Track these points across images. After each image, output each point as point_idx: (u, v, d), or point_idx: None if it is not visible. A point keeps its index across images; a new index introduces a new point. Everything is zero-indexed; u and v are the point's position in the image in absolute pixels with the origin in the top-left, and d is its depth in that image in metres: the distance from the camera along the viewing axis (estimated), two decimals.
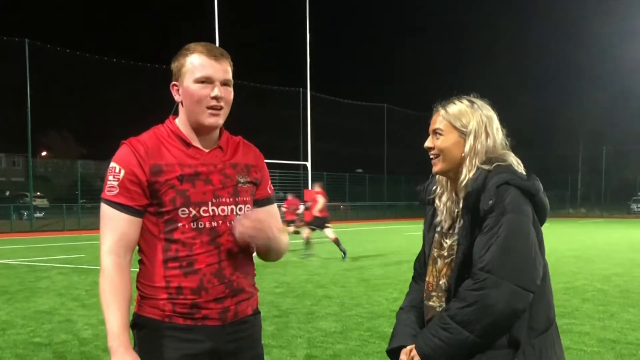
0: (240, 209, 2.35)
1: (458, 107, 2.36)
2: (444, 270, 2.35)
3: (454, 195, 2.40)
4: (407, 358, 2.30)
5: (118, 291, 2.20)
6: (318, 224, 16.58)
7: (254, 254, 2.47)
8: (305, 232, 16.69)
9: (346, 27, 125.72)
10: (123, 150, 2.29)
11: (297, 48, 38.54)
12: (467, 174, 2.29)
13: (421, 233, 2.60)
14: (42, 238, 27.39)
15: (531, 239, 2.17)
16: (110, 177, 2.26)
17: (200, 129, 2.33)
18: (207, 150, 2.35)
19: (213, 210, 2.29)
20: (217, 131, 2.39)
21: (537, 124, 64.68)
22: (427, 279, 2.44)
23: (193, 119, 2.31)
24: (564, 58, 79.30)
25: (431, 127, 2.40)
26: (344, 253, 15.83)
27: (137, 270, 2.35)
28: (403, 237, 25.92)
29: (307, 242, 16.53)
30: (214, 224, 2.29)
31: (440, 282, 2.35)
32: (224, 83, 2.30)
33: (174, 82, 2.34)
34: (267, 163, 2.58)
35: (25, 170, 42.72)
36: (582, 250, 18.94)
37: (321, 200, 16.71)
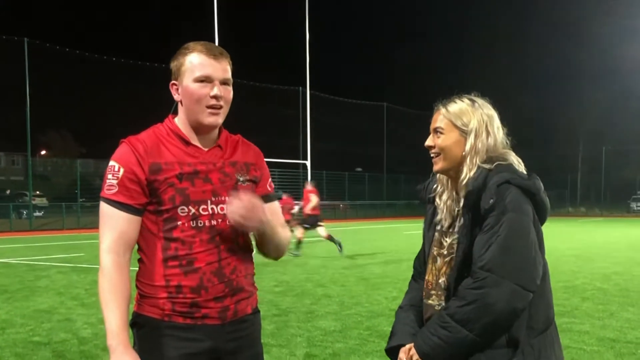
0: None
1: (459, 106, 2.36)
2: (444, 268, 2.34)
3: (454, 194, 2.40)
4: (406, 357, 2.30)
5: (117, 290, 2.19)
6: (311, 222, 16.61)
7: (255, 251, 2.46)
8: (299, 231, 16.68)
9: (346, 26, 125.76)
10: (122, 149, 2.29)
11: (296, 47, 38.60)
12: (467, 173, 2.29)
13: (421, 232, 2.60)
14: (42, 237, 27.39)
15: (531, 238, 2.17)
16: (110, 176, 2.26)
17: (199, 128, 2.33)
18: (206, 149, 2.35)
19: (212, 208, 2.29)
20: (217, 130, 2.38)
21: (537, 124, 64.77)
22: (426, 277, 2.44)
23: (192, 118, 2.31)
24: (564, 58, 79.33)
25: (432, 126, 2.40)
26: (340, 245, 15.84)
27: (137, 269, 2.34)
28: (402, 236, 25.92)
29: (299, 242, 16.48)
30: (214, 222, 2.29)
31: (440, 281, 2.35)
32: (224, 82, 2.29)
33: (173, 82, 2.34)
34: (266, 162, 2.58)
35: (25, 169, 42.73)
36: (581, 249, 18.95)
37: (314, 199, 16.74)
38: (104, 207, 2.26)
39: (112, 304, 2.17)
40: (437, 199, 2.46)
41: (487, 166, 2.26)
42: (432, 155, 2.40)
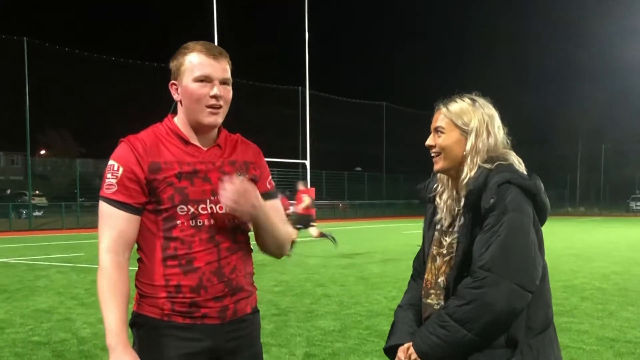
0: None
1: (460, 106, 2.36)
2: (443, 268, 2.34)
3: (454, 193, 2.40)
4: (405, 356, 2.30)
5: (116, 289, 2.19)
6: (303, 222, 16.61)
7: (254, 251, 2.46)
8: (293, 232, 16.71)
9: (345, 26, 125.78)
10: (122, 148, 2.29)
11: (296, 46, 38.60)
12: (468, 173, 2.29)
13: (420, 231, 2.60)
14: (41, 237, 27.38)
15: (531, 238, 2.17)
16: (109, 175, 2.26)
17: (199, 128, 2.33)
18: (205, 149, 2.35)
19: (211, 208, 2.29)
20: (216, 129, 2.38)
21: (536, 123, 64.76)
22: (425, 276, 2.44)
23: (192, 118, 2.31)
24: (563, 57, 79.40)
25: (433, 125, 2.40)
26: (333, 238, 15.83)
27: (136, 268, 2.34)
28: (402, 235, 25.92)
29: (292, 242, 16.49)
30: (213, 221, 2.29)
31: (439, 280, 2.35)
32: (223, 82, 2.29)
33: (172, 81, 2.34)
34: (266, 162, 2.57)
35: (24, 169, 42.71)
36: (581, 248, 18.95)
37: (306, 200, 16.75)
38: (103, 206, 2.26)
39: (111, 303, 2.17)
40: (438, 199, 2.46)
41: (487, 166, 2.26)
42: (432, 154, 2.40)
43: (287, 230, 2.47)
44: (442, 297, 2.32)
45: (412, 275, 2.61)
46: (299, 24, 35.61)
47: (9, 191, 47.89)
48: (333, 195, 50.24)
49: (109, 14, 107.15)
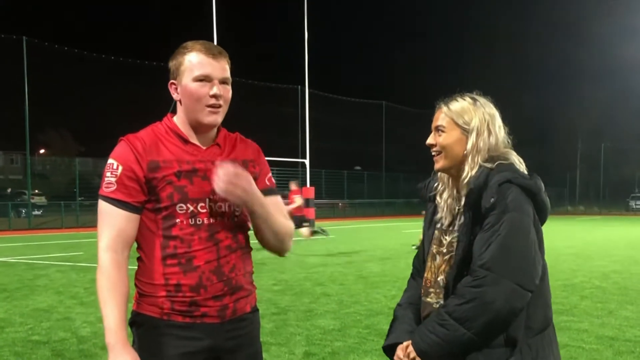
0: (238, 206, 2.34)
1: (461, 105, 2.36)
2: (443, 266, 2.35)
3: (455, 192, 2.40)
4: (404, 354, 2.30)
5: (116, 287, 2.19)
6: (295, 223, 16.65)
7: (254, 250, 2.46)
8: None
9: (345, 25, 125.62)
10: (121, 147, 2.29)
11: (295, 46, 38.58)
12: (469, 172, 2.29)
13: (420, 230, 2.60)
14: (41, 236, 27.37)
15: (531, 238, 2.17)
16: (108, 174, 2.26)
17: (198, 127, 2.33)
18: (204, 147, 2.34)
19: (210, 206, 2.29)
20: (215, 129, 2.38)
21: (536, 122, 64.80)
22: (425, 275, 2.44)
23: (192, 117, 2.31)
24: (563, 57, 79.54)
25: (433, 124, 2.40)
26: (323, 230, 15.82)
27: (135, 267, 2.34)
28: (401, 234, 25.93)
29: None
30: (212, 220, 2.29)
31: (439, 279, 2.35)
32: (223, 81, 2.29)
33: (172, 81, 2.34)
34: (265, 159, 2.57)
35: (24, 168, 42.68)
36: (580, 247, 18.96)
37: (298, 200, 16.78)
38: (102, 205, 2.26)
39: (110, 301, 2.17)
40: (438, 197, 2.46)
41: (488, 165, 2.26)
42: (433, 153, 2.40)
43: (287, 224, 2.43)
44: (441, 295, 2.32)
45: (411, 274, 2.61)
46: (298, 23, 35.60)
47: (9, 190, 47.86)
48: (332, 194, 50.22)
49: (108, 14, 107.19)
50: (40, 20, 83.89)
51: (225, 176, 2.19)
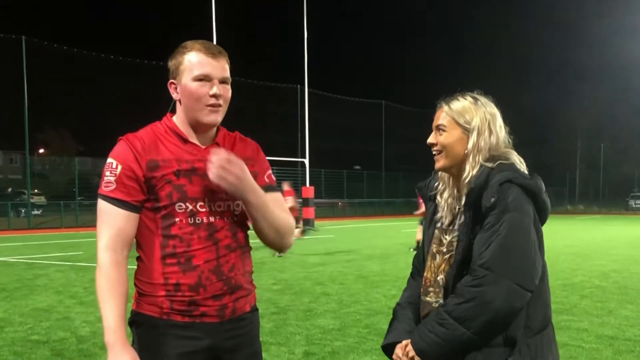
0: (237, 205, 2.34)
1: (462, 104, 2.36)
2: (443, 266, 2.34)
3: (455, 191, 2.40)
4: (403, 353, 2.30)
5: (115, 287, 2.19)
6: None
7: (254, 245, 2.45)
8: None
9: (344, 24, 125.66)
10: (120, 146, 2.29)
11: (295, 45, 38.57)
12: (470, 171, 2.29)
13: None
14: (40, 235, 27.38)
15: (531, 238, 2.17)
16: (107, 173, 2.26)
17: (198, 127, 2.32)
18: (204, 147, 2.34)
19: (210, 206, 2.29)
20: (215, 128, 2.38)
21: (536, 122, 64.83)
22: (425, 274, 2.44)
23: (191, 117, 2.31)
24: (563, 56, 79.56)
25: (434, 123, 2.40)
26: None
27: (135, 267, 2.34)
28: (401, 234, 25.95)
29: None
30: (211, 219, 2.29)
31: (438, 278, 2.35)
32: (222, 81, 2.29)
33: (171, 80, 2.33)
34: (265, 157, 2.56)
35: (23, 168, 42.66)
36: (580, 246, 18.97)
37: (290, 201, 16.80)
38: (101, 204, 2.26)
39: (109, 301, 2.17)
40: (438, 197, 2.46)
41: (489, 165, 2.26)
42: (434, 152, 2.40)
43: (287, 219, 2.40)
44: (440, 295, 2.32)
45: (411, 273, 2.61)
46: (298, 22, 35.59)
47: (10, 189, 47.84)
48: (332, 193, 50.22)
49: (107, 13, 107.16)
50: (40, 20, 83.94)
51: (218, 162, 2.18)
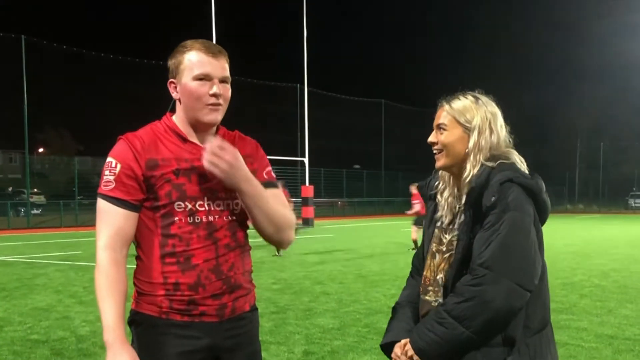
0: (236, 204, 2.34)
1: (463, 103, 2.36)
2: (442, 265, 2.34)
3: (455, 190, 2.40)
4: (401, 352, 2.30)
5: (114, 285, 2.19)
6: None
7: (253, 244, 2.45)
8: None
9: (344, 23, 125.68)
10: (120, 145, 2.29)
11: (294, 44, 38.57)
12: (471, 170, 2.29)
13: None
14: (40, 235, 27.38)
15: (531, 237, 2.17)
16: (107, 172, 2.26)
17: (198, 126, 2.32)
18: (203, 146, 2.34)
19: (209, 205, 2.29)
20: (214, 127, 2.38)
21: (535, 121, 64.86)
22: (424, 273, 2.44)
23: (191, 116, 2.30)
24: (563, 56, 79.60)
25: (435, 122, 2.40)
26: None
27: (134, 266, 2.34)
28: (400, 233, 25.94)
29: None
30: (211, 218, 2.28)
31: (438, 277, 2.35)
32: (222, 80, 2.29)
33: (171, 80, 2.33)
34: (265, 154, 2.55)
35: (23, 167, 42.64)
36: (579, 246, 18.98)
37: None
38: (101, 203, 2.26)
39: (108, 299, 2.17)
40: (439, 196, 2.46)
41: (490, 164, 2.26)
42: (434, 151, 2.40)
43: (286, 213, 2.37)
44: (440, 294, 2.32)
45: (410, 272, 2.61)
46: (298, 21, 35.61)
47: (10, 189, 47.81)
48: (331, 192, 50.24)
49: (107, 12, 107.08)
50: (39, 19, 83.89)
51: (210, 148, 2.19)
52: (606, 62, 68.56)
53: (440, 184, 2.46)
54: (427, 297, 2.39)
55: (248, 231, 2.42)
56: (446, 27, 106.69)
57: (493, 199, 2.17)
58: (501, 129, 2.36)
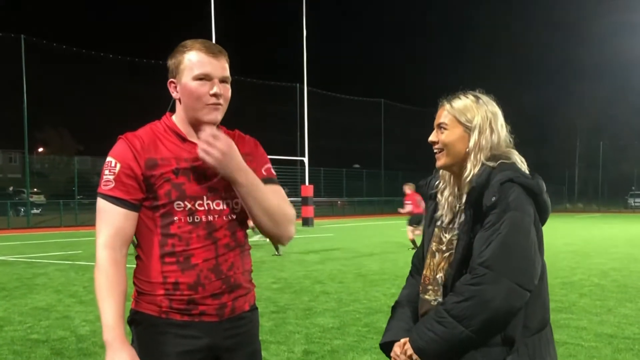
0: (236, 203, 2.34)
1: (463, 102, 2.36)
2: (442, 264, 2.34)
3: (456, 190, 2.40)
4: (401, 351, 2.30)
5: (113, 285, 2.19)
6: None
7: (253, 244, 2.45)
8: None
9: (344, 22, 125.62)
10: (119, 145, 2.29)
11: (294, 44, 38.56)
12: (471, 169, 2.29)
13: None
14: (39, 234, 27.37)
15: (532, 238, 2.17)
16: (107, 172, 2.26)
17: (198, 126, 2.32)
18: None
19: (208, 204, 2.29)
20: (214, 127, 2.38)
21: (535, 121, 64.89)
22: (424, 272, 2.44)
23: (191, 115, 2.30)
24: (563, 55, 79.71)
25: (436, 122, 2.40)
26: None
27: (134, 266, 2.34)
28: (400, 232, 25.93)
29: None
30: (210, 217, 2.29)
31: (437, 276, 2.35)
32: (223, 80, 2.29)
33: (171, 79, 2.33)
34: (264, 151, 2.54)
35: (22, 167, 42.63)
36: (579, 245, 18.98)
37: None
38: (100, 202, 2.26)
39: (108, 299, 2.17)
40: (439, 195, 2.46)
41: (491, 164, 2.26)
42: (435, 150, 2.40)
43: (284, 207, 2.34)
44: (439, 293, 2.32)
45: (410, 272, 2.61)
46: (297, 20, 35.61)
47: (11, 188, 47.78)
48: (331, 192, 50.23)
49: (107, 12, 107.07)
50: (39, 19, 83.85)
51: (203, 137, 2.19)
52: (606, 61, 68.78)
53: (441, 183, 2.47)
54: (426, 296, 2.39)
55: (249, 230, 2.42)
56: (446, 27, 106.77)
57: (494, 198, 2.17)
58: (502, 129, 2.36)
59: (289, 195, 2.47)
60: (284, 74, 53.23)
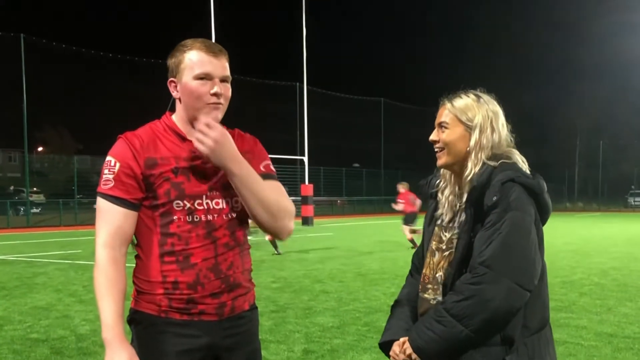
0: (236, 202, 2.33)
1: (464, 101, 2.36)
2: (442, 263, 2.34)
3: (456, 189, 2.40)
4: (400, 350, 2.30)
5: (113, 284, 2.19)
6: None
7: (253, 244, 2.45)
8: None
9: (344, 22, 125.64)
10: (119, 144, 2.29)
11: (294, 42, 38.55)
12: (472, 169, 2.29)
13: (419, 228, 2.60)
14: (39, 234, 27.38)
15: (532, 237, 2.17)
16: (106, 171, 2.26)
17: None
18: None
19: (207, 203, 2.28)
20: None
21: (535, 121, 64.88)
22: (424, 271, 2.44)
23: (191, 115, 2.30)
24: (563, 55, 79.73)
25: (437, 121, 2.40)
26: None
27: (133, 265, 2.34)
28: (400, 232, 25.93)
29: (272, 241, 15.94)
30: (210, 217, 2.28)
31: (437, 275, 2.35)
32: (223, 79, 2.28)
33: (171, 79, 2.32)
34: (263, 148, 2.54)
35: (22, 166, 42.60)
36: (579, 244, 18.99)
37: None
38: (100, 202, 2.26)
39: (107, 298, 2.17)
40: (440, 194, 2.46)
41: (492, 163, 2.26)
42: (436, 150, 2.40)
43: (281, 200, 2.33)
44: (439, 292, 2.32)
45: (410, 271, 2.61)
46: (297, 20, 35.60)
47: (12, 188, 47.76)
48: (331, 191, 50.25)
49: (106, 12, 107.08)
50: (39, 19, 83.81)
51: (198, 127, 2.19)
52: (606, 61, 68.80)
53: (442, 182, 2.47)
54: (426, 295, 2.39)
55: (250, 229, 2.41)
56: (446, 27, 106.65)
57: (495, 198, 2.17)
58: (503, 128, 2.36)
59: (289, 195, 2.44)
60: (284, 73, 53.32)
